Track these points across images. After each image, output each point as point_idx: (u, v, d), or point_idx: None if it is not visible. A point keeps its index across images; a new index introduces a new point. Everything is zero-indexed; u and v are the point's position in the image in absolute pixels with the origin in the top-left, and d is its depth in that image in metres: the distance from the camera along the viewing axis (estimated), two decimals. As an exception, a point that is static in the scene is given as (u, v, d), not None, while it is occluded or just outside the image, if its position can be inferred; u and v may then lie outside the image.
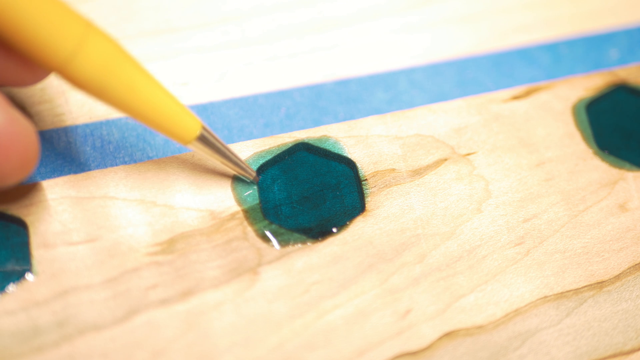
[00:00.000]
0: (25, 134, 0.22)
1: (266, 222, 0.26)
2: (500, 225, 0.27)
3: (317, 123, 0.29)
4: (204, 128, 0.24)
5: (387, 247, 0.26)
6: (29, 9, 0.21)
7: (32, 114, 0.27)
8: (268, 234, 0.25)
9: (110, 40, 0.22)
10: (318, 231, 0.26)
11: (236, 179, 0.26)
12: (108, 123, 0.28)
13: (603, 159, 0.28)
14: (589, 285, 0.26)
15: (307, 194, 0.26)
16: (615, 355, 0.26)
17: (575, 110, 0.29)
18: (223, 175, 0.26)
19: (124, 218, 0.25)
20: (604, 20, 0.32)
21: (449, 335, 0.25)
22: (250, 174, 0.26)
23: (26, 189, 0.25)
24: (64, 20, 0.21)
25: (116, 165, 0.27)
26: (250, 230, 0.25)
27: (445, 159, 0.27)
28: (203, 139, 0.24)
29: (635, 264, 0.27)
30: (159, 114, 0.23)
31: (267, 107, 0.29)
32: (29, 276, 0.24)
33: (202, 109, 0.29)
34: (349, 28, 0.31)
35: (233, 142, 0.28)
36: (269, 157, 0.27)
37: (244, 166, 0.25)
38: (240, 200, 0.26)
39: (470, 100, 0.28)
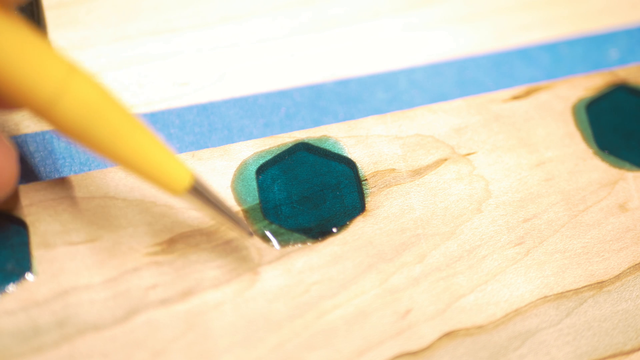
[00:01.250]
0: (3, 157, 0.22)
1: (266, 222, 0.26)
2: (500, 225, 0.27)
3: (317, 123, 0.29)
4: (196, 180, 0.23)
5: (387, 247, 0.26)
6: (8, 50, 0.20)
7: (32, 114, 0.27)
8: (268, 234, 0.25)
9: (95, 83, 0.21)
10: (318, 231, 0.26)
11: (237, 178, 0.26)
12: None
13: (603, 159, 0.28)
14: (589, 285, 0.26)
15: (307, 194, 0.26)
16: (615, 355, 0.26)
17: (575, 110, 0.29)
18: (223, 175, 0.26)
19: (124, 218, 0.25)
20: (604, 20, 0.32)
21: (449, 335, 0.25)
22: (246, 231, 0.24)
23: (26, 189, 0.25)
24: (45, 62, 0.20)
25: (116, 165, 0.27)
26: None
27: (445, 159, 0.27)
28: (195, 192, 0.22)
29: (635, 264, 0.27)
30: (145, 163, 0.22)
31: (267, 107, 0.29)
32: (29, 276, 0.24)
33: (202, 109, 0.29)
34: (349, 28, 0.31)
35: (233, 142, 0.28)
36: (269, 157, 0.26)
37: (240, 222, 0.24)
38: (240, 200, 0.26)
39: (470, 100, 0.28)
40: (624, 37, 0.32)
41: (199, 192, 0.23)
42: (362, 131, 0.27)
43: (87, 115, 0.21)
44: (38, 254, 0.24)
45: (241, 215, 0.24)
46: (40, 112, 0.21)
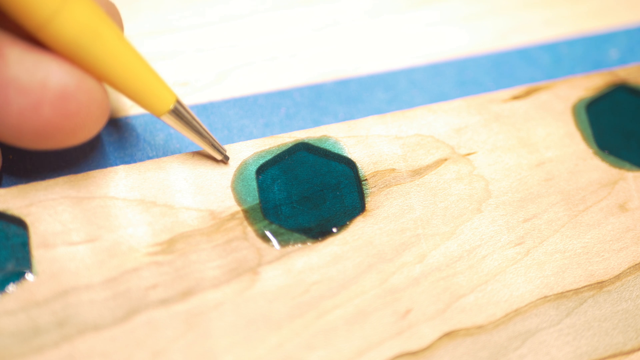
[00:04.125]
0: (97, 89, 0.23)
1: (266, 222, 0.26)
2: (500, 225, 0.27)
3: (317, 123, 0.29)
4: (179, 102, 0.24)
5: (387, 247, 0.26)
6: None
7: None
8: (268, 234, 0.25)
9: (91, 4, 0.22)
10: (318, 231, 0.26)
11: (237, 178, 0.26)
12: (108, 123, 0.28)
13: (603, 159, 0.28)
14: (589, 285, 0.26)
15: (307, 194, 0.26)
16: (615, 355, 0.26)
17: (575, 110, 0.29)
18: (223, 175, 0.26)
19: (124, 218, 0.25)
20: (604, 20, 0.32)
21: (449, 335, 0.25)
22: (220, 153, 0.26)
23: (26, 189, 0.25)
24: None
25: (116, 165, 0.27)
26: (250, 230, 0.25)
27: (445, 159, 0.27)
28: (176, 113, 0.24)
29: (635, 264, 0.27)
30: (135, 82, 0.23)
31: (267, 107, 0.29)
32: (29, 276, 0.24)
33: (202, 109, 0.29)
34: (348, 27, 0.31)
35: (233, 142, 0.28)
36: (269, 157, 0.26)
37: (216, 145, 0.26)
38: (240, 200, 0.26)
39: (470, 100, 0.28)
40: (624, 37, 0.32)
41: (181, 114, 0.24)
42: (362, 131, 0.27)
43: (84, 32, 0.22)
44: (38, 254, 0.24)
45: (215, 139, 0.26)
46: (36, 29, 0.22)
